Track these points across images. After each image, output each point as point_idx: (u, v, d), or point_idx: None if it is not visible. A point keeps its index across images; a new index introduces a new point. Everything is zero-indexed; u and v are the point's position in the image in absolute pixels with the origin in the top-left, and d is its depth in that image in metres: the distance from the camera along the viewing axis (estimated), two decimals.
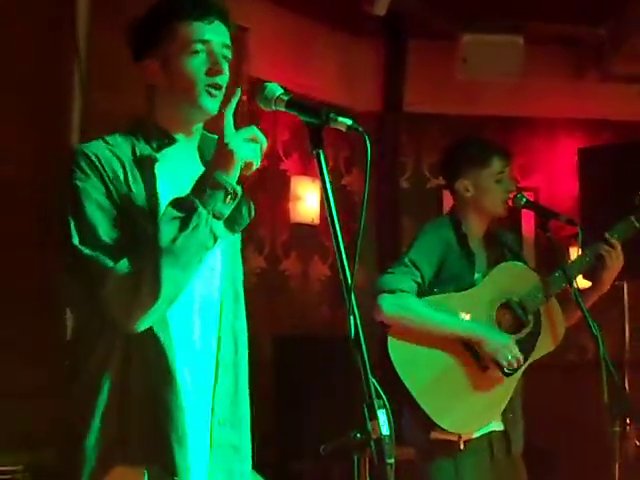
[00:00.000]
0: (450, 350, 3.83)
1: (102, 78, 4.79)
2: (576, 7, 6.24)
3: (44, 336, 4.35)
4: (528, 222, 6.90)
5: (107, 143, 2.48)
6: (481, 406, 3.83)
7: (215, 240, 2.39)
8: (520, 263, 4.02)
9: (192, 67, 2.51)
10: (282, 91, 2.33)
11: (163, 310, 2.36)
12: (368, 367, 2.09)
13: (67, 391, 2.49)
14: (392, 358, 3.78)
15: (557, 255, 3.89)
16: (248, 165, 2.41)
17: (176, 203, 2.34)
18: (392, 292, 3.81)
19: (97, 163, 2.41)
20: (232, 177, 2.36)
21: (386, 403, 2.08)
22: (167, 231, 2.29)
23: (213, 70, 2.53)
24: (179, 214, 2.31)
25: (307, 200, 6.51)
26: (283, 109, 2.33)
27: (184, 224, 2.30)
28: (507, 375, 3.80)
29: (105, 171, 2.41)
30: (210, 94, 2.53)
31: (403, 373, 3.77)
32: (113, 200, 2.40)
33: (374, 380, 2.09)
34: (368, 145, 2.17)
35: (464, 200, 4.03)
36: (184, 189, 2.43)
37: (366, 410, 2.06)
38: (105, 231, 2.36)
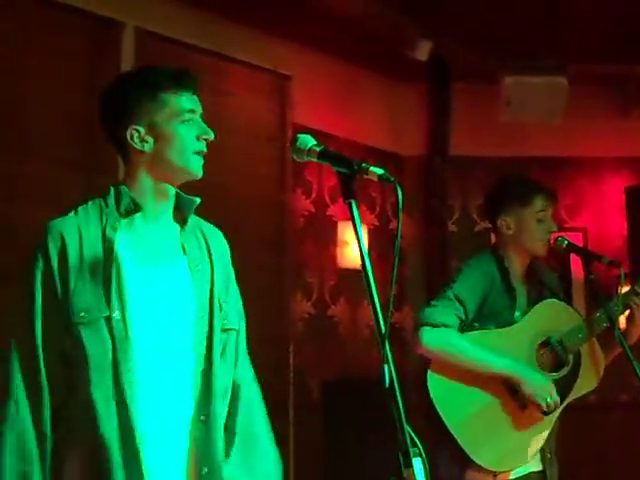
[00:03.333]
0: (489, 387, 3.80)
1: None
2: (618, 46, 6.23)
3: None
4: (577, 264, 6.85)
5: (76, 216, 2.61)
6: (518, 444, 3.80)
7: None
8: (561, 302, 4.00)
9: (185, 133, 2.63)
10: (314, 142, 2.37)
11: None
12: (403, 415, 2.09)
13: None
14: (431, 393, 3.77)
15: (599, 297, 3.86)
16: None
17: None
18: (435, 326, 3.80)
19: (53, 247, 2.55)
20: None
21: (422, 452, 2.08)
22: None
23: (203, 137, 2.66)
24: None
25: (354, 245, 6.48)
26: (315, 160, 2.36)
27: None
28: (545, 414, 3.78)
29: (59, 254, 2.54)
30: (198, 158, 2.66)
31: (441, 408, 3.75)
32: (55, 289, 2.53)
33: (409, 428, 2.09)
34: (400, 194, 2.19)
35: (505, 238, 4.02)
36: (149, 252, 2.61)
37: (401, 457, 2.06)
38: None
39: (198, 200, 2.74)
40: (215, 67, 5.60)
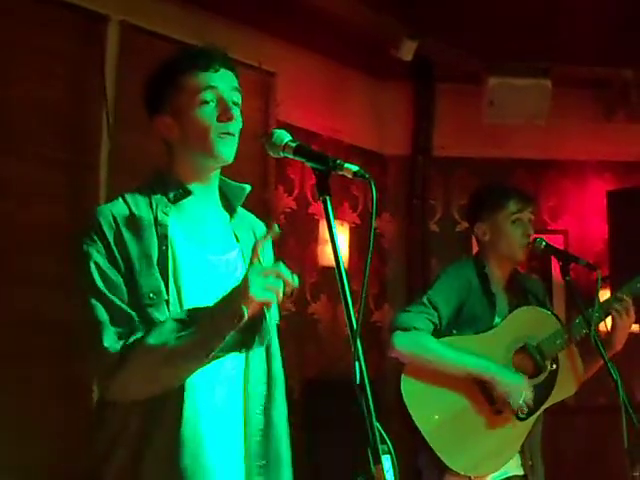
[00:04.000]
0: (463, 391, 3.82)
1: (130, 121, 4.84)
2: (602, 49, 6.24)
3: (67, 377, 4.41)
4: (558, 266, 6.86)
5: (126, 202, 2.54)
6: (493, 449, 3.81)
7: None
8: (540, 308, 4.01)
9: (203, 116, 2.55)
10: (290, 138, 2.36)
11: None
12: (373, 412, 2.09)
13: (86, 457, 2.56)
14: (405, 398, 3.78)
15: (578, 301, 3.87)
16: (266, 303, 2.37)
17: (180, 318, 2.37)
18: (407, 329, 3.81)
19: (108, 228, 2.47)
20: (244, 307, 2.32)
21: (391, 449, 2.08)
22: (163, 337, 2.33)
23: (224, 117, 2.57)
24: (180, 326, 2.35)
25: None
26: (291, 156, 2.36)
27: (182, 334, 2.33)
28: (521, 420, 3.79)
29: (115, 235, 2.46)
30: (224, 141, 2.57)
31: (415, 413, 3.76)
32: (118, 266, 2.45)
33: (379, 425, 2.08)
34: (374, 191, 2.19)
35: (484, 244, 4.05)
36: (201, 238, 2.53)
37: (370, 454, 2.06)
38: (113, 297, 2.42)
39: (248, 187, 2.72)
40: None
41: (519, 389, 3.76)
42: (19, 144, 4.64)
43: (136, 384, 2.36)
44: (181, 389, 2.40)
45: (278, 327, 2.75)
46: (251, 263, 2.34)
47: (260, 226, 2.83)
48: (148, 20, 5.29)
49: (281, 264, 2.37)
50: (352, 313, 2.18)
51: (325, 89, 6.75)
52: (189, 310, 2.39)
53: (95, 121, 5.01)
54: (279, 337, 2.74)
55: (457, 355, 3.81)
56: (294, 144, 2.35)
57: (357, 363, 2.13)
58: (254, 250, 2.36)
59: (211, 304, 2.37)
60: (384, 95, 7.27)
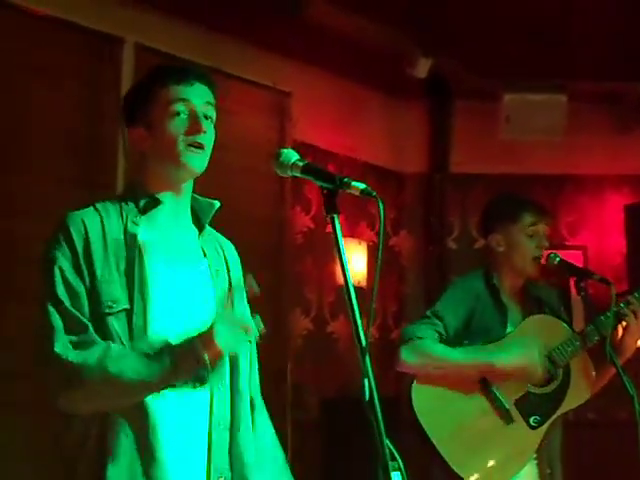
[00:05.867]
0: (474, 400, 3.78)
1: None
2: (617, 64, 6.24)
3: None
4: None
5: (97, 210, 2.56)
6: (506, 458, 3.77)
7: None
8: (551, 317, 3.99)
9: (173, 127, 2.57)
10: (298, 157, 2.37)
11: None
12: (382, 429, 2.09)
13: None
14: (415, 407, 3.76)
15: (591, 314, 3.85)
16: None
17: (142, 353, 2.39)
18: (410, 340, 3.81)
19: (77, 235, 2.49)
20: (206, 355, 2.36)
21: (401, 465, 2.08)
22: (122, 368, 2.36)
23: (192, 129, 2.57)
24: (141, 361, 2.37)
25: (354, 262, 6.54)
26: (299, 175, 2.36)
27: (141, 369, 2.36)
28: (533, 428, 3.77)
29: (83, 243, 2.48)
30: (191, 151, 2.57)
31: (425, 422, 3.74)
32: (82, 274, 2.46)
33: (389, 442, 2.09)
34: (382, 209, 2.19)
35: (497, 256, 4.03)
36: (170, 248, 2.56)
37: (381, 472, 2.06)
38: (70, 305, 2.42)
39: (217, 204, 2.71)
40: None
41: (532, 361, 3.75)
42: (36, 164, 4.70)
43: (86, 403, 2.39)
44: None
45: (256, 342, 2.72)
46: (222, 310, 2.39)
47: (228, 246, 2.82)
48: (163, 42, 5.34)
49: (248, 314, 2.43)
50: (361, 330, 2.18)
51: (341, 108, 6.78)
52: (152, 346, 2.41)
53: (111, 141, 5.07)
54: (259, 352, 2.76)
55: (462, 354, 3.78)
56: (302, 163, 2.35)
57: (366, 380, 2.13)
58: (227, 297, 2.42)
59: (174, 341, 2.41)
60: (400, 113, 7.29)
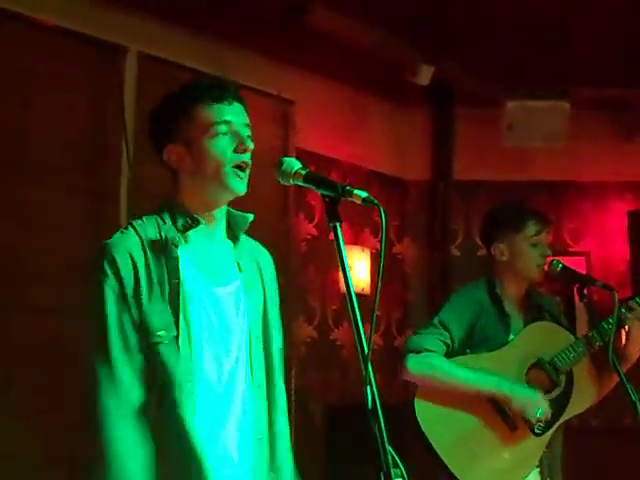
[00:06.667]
0: (477, 409, 3.80)
1: (149, 149, 4.90)
2: (620, 70, 6.24)
3: None
4: None
5: (137, 233, 2.52)
6: (510, 465, 3.78)
7: None
8: (552, 323, 3.99)
9: (218, 148, 2.54)
10: (300, 166, 2.37)
11: None
12: (385, 436, 2.10)
13: None
14: (418, 419, 3.77)
15: (595, 320, 3.85)
16: None
17: None
18: (418, 352, 3.81)
19: (123, 264, 2.47)
20: None
21: (404, 473, 2.08)
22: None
23: (240, 149, 2.56)
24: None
25: (357, 269, 6.54)
26: (301, 183, 2.36)
27: None
28: (537, 435, 3.78)
29: (131, 272, 2.46)
30: (237, 175, 2.56)
31: (430, 433, 3.75)
32: (129, 305, 2.46)
33: (391, 449, 2.09)
34: (384, 217, 2.20)
35: (500, 264, 4.03)
36: (208, 269, 2.54)
37: (383, 479, 2.07)
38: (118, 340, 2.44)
39: (251, 217, 2.71)
40: None
41: (534, 403, 3.74)
42: (39, 173, 4.71)
43: None
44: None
45: (281, 352, 2.83)
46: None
47: (264, 253, 2.84)
48: (166, 50, 5.36)
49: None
50: (363, 338, 2.19)
51: (344, 116, 6.78)
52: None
53: (115, 150, 5.09)
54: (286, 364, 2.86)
55: (469, 375, 3.79)
56: (304, 171, 2.35)
57: (368, 388, 2.14)
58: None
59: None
60: (403, 120, 7.29)
